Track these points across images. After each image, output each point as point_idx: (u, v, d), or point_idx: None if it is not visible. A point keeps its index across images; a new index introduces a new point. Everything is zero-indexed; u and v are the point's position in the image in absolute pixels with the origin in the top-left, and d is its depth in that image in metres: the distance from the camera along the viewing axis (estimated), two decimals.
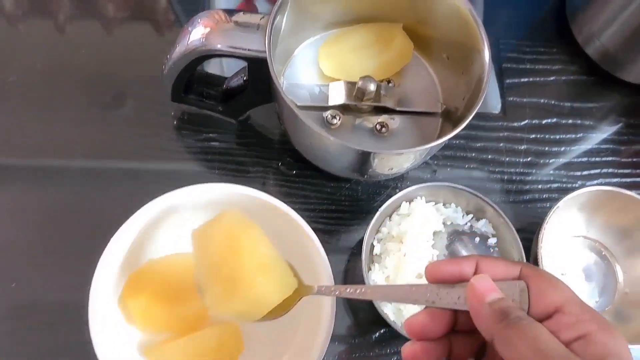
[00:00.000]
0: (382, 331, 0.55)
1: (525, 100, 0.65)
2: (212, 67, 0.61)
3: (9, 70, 0.62)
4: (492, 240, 0.55)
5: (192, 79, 0.54)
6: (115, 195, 0.57)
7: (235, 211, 0.44)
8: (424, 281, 0.52)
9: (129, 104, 0.62)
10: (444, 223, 0.55)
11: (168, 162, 0.59)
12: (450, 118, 0.57)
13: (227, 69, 0.61)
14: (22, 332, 0.52)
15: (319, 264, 0.48)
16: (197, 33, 0.48)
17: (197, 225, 0.51)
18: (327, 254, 0.56)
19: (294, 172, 0.60)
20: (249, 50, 0.47)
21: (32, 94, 0.61)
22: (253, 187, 0.56)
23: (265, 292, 0.40)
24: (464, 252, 0.54)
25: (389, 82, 0.57)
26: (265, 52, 0.46)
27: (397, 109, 0.56)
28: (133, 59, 0.64)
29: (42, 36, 0.65)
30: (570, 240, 0.58)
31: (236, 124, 0.60)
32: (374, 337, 0.55)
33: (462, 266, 0.34)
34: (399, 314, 0.52)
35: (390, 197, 0.54)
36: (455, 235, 0.55)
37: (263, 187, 0.59)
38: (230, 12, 0.49)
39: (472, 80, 0.51)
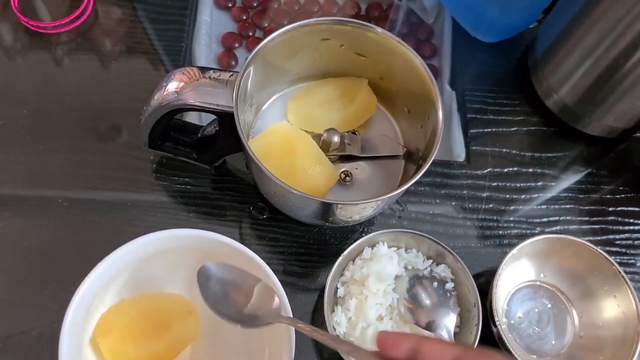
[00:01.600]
0: None
1: (488, 149, 0.69)
2: (191, 116, 0.65)
3: (12, 104, 0.66)
4: (449, 285, 0.57)
5: (169, 128, 0.58)
6: (92, 233, 0.60)
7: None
8: (385, 323, 0.55)
9: (110, 148, 0.65)
10: (405, 267, 0.58)
11: (145, 205, 0.62)
12: (412, 160, 0.60)
13: (204, 117, 0.65)
14: None
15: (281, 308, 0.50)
16: (172, 87, 0.51)
17: (167, 266, 0.54)
18: (295, 295, 0.59)
19: (265, 216, 0.63)
20: (217, 105, 0.50)
21: (23, 127, 0.65)
22: (226, 230, 0.59)
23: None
24: (423, 296, 0.57)
25: (353, 132, 0.61)
26: (232, 107, 0.50)
27: (362, 155, 0.60)
28: (124, 97, 0.68)
29: (40, 69, 0.69)
30: (526, 285, 0.61)
31: (212, 169, 0.64)
32: None
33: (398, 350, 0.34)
34: None
35: (357, 241, 0.57)
36: (416, 279, 0.57)
37: (236, 231, 0.62)
38: (203, 70, 0.52)
39: (429, 132, 0.54)
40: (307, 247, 0.62)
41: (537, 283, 0.61)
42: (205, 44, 0.70)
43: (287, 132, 0.57)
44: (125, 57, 0.71)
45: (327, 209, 0.52)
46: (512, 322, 0.59)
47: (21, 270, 0.58)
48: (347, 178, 0.59)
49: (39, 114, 0.66)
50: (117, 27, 0.73)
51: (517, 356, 0.54)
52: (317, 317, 0.59)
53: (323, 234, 0.62)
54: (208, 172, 0.64)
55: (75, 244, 0.60)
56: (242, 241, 0.60)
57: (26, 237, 0.60)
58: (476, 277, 0.61)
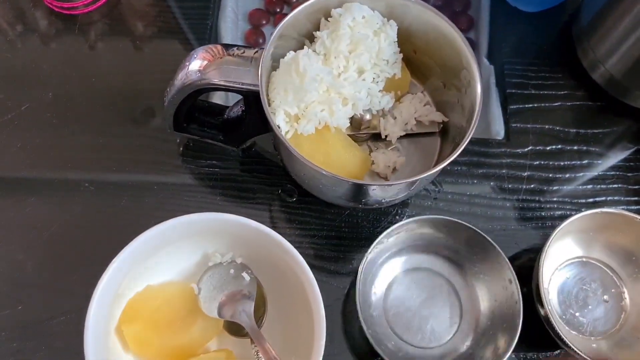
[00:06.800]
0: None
1: (529, 126, 0.65)
2: (217, 96, 0.63)
3: (38, 87, 0.65)
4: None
5: (194, 109, 0.56)
6: (119, 217, 0.59)
7: None
8: None
9: (136, 130, 0.64)
10: None
11: (172, 188, 0.61)
12: (449, 138, 0.57)
13: (231, 97, 0.63)
14: (25, 353, 0.54)
15: (312, 295, 0.48)
16: (195, 66, 0.49)
17: (194, 253, 0.52)
18: (327, 280, 0.57)
19: (295, 198, 0.60)
20: (242, 84, 0.48)
21: (48, 110, 0.64)
22: (254, 213, 0.57)
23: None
24: None
25: None
26: (258, 86, 0.47)
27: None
28: (151, 79, 0.66)
29: (65, 51, 0.68)
30: (572, 262, 0.58)
31: (239, 152, 0.62)
32: None
33: None
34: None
35: (392, 223, 0.54)
36: None
37: (265, 214, 0.60)
38: (227, 47, 0.50)
39: (467, 108, 0.51)
40: (339, 231, 0.60)
41: (584, 260, 0.58)
42: (232, 21, 0.68)
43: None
44: (151, 37, 0.70)
45: (359, 190, 0.49)
46: (558, 301, 0.56)
47: (48, 256, 0.58)
48: None
49: (64, 96, 0.65)
50: (142, 7, 0.71)
51: (564, 336, 0.51)
52: (349, 300, 0.57)
53: (355, 216, 0.60)
54: (236, 154, 0.62)
55: (102, 228, 0.59)
56: (271, 224, 0.58)
57: (53, 222, 0.59)
58: (516, 258, 0.59)
